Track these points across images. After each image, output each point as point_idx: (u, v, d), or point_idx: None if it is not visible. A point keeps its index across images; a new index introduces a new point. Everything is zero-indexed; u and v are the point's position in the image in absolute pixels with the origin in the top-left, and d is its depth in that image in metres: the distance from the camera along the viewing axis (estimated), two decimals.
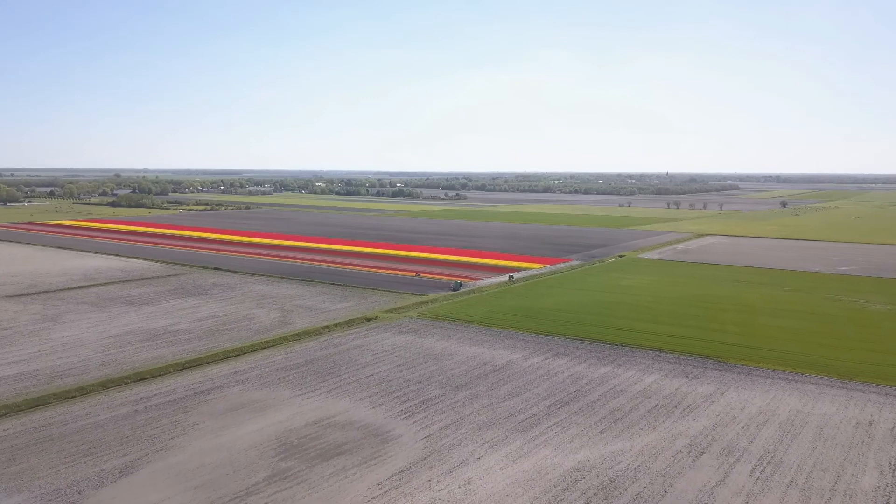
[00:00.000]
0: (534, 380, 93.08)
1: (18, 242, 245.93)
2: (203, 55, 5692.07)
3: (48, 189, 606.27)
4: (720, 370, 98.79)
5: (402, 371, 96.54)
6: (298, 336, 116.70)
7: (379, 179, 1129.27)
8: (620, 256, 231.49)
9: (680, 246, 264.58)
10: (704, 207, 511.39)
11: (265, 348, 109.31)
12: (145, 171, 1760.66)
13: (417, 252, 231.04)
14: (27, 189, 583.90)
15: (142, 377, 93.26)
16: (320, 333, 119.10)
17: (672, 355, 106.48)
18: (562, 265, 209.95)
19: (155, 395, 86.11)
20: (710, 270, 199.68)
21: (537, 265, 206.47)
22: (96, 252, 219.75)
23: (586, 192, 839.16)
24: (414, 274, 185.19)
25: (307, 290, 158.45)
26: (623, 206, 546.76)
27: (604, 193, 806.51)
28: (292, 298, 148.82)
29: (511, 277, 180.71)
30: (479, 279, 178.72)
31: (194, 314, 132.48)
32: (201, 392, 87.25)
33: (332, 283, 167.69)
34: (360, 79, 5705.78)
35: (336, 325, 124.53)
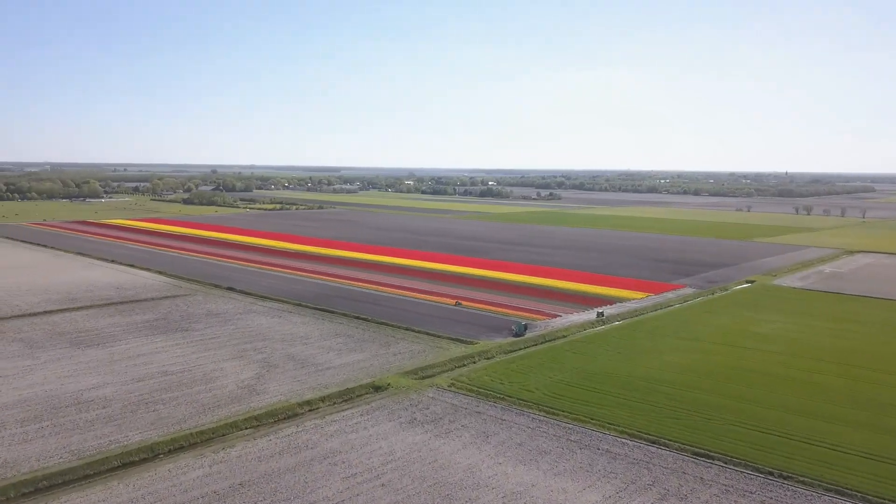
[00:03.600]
0: None
1: (42, 246, 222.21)
2: (310, 53, 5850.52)
3: (136, 185, 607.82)
4: None
5: None
6: (256, 421, 76.15)
7: (471, 178, 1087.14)
8: (749, 282, 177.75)
9: (827, 268, 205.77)
10: (842, 214, 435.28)
11: (191, 446, 69.40)
12: (252, 167, 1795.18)
13: (482, 270, 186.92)
14: (115, 185, 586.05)
15: None
16: (292, 417, 78.10)
17: None
18: (670, 293, 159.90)
19: None
20: (888, 310, 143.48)
21: (637, 294, 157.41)
22: (112, 261, 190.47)
23: (696, 193, 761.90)
24: (454, 303, 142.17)
25: (316, 328, 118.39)
26: (741, 210, 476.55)
27: (716, 195, 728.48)
28: (290, 341, 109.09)
29: (600, 314, 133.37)
30: (556, 315, 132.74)
31: (144, 367, 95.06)
32: None
33: (354, 317, 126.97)
34: (458, 74, 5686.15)
35: (323, 400, 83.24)
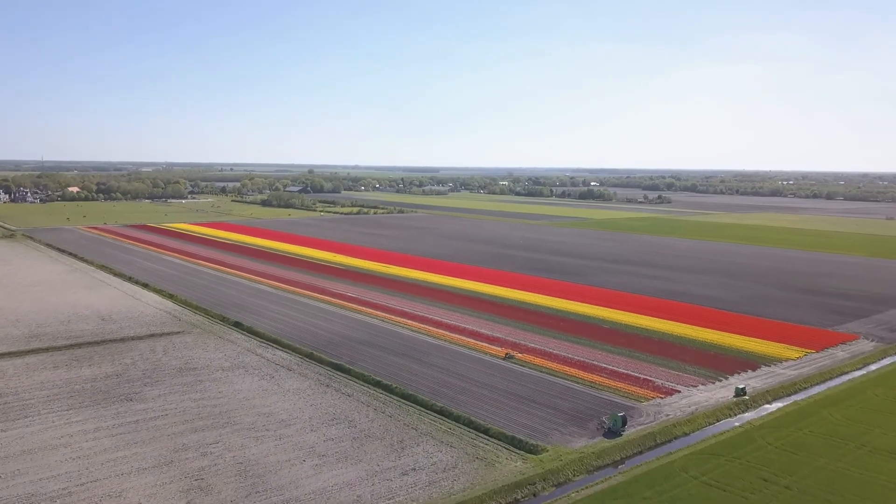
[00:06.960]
0: None
1: (72, 256, 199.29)
2: (420, 54, 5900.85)
3: (223, 185, 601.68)
4: None
5: None
6: None
7: (571, 178, 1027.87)
8: None
9: None
10: None
11: None
12: (356, 167, 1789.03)
13: (571, 302, 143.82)
14: (204, 185, 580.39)
15: None
16: None
17: None
18: (839, 349, 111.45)
19: None
20: None
21: (790, 350, 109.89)
22: (129, 279, 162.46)
23: (828, 197, 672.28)
24: (503, 355, 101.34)
25: (310, 404, 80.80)
26: (893, 219, 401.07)
27: (853, 200, 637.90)
28: (260, 431, 72.11)
29: (740, 392, 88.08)
30: (671, 391, 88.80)
31: (7, 484, 60.93)
32: None
33: (374, 382, 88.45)
34: (564, 73, 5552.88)
35: None
